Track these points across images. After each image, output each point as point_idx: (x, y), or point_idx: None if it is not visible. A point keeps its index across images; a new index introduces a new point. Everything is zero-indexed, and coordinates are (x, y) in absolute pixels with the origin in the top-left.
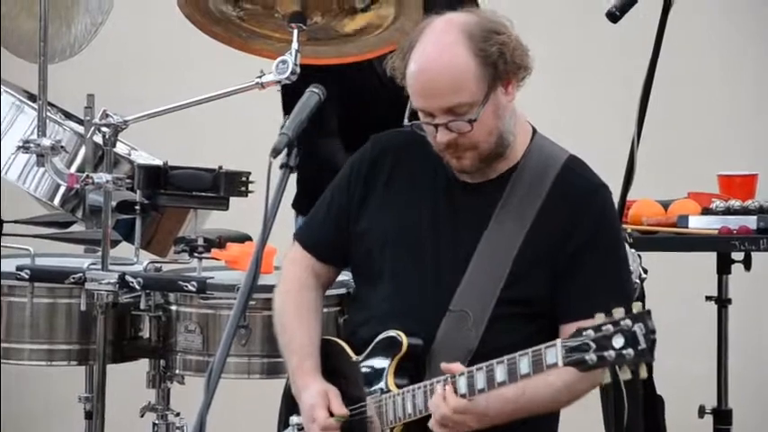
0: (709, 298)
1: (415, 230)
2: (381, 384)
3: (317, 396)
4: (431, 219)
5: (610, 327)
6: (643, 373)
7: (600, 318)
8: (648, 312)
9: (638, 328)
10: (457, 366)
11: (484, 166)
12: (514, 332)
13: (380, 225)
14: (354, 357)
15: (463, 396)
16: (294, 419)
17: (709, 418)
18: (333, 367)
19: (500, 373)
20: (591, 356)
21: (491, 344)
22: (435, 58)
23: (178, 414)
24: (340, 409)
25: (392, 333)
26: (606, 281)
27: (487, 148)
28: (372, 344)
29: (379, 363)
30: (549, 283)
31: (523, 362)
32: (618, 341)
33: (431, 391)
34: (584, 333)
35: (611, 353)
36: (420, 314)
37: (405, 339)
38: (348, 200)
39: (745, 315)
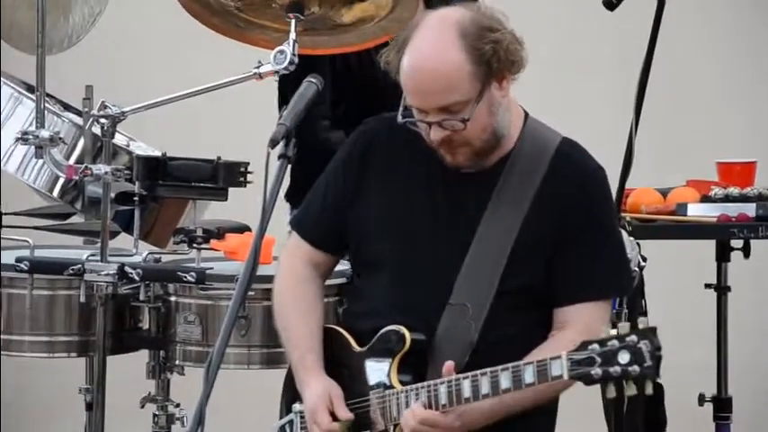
0: (708, 286)
1: (412, 221)
2: (384, 380)
3: (320, 398)
4: (428, 209)
5: (615, 342)
6: (648, 390)
7: (606, 332)
8: (654, 329)
9: (644, 345)
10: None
11: (478, 160)
12: (514, 323)
13: (377, 213)
14: (358, 349)
15: (467, 400)
16: (297, 407)
17: (708, 406)
18: (336, 357)
19: (505, 380)
20: (596, 371)
21: (491, 336)
22: (428, 56)
23: (178, 405)
24: (344, 413)
25: (395, 328)
26: (601, 265)
27: (481, 145)
28: (375, 337)
29: (382, 357)
30: (546, 270)
31: (528, 371)
32: (623, 357)
33: (435, 392)
34: (589, 347)
35: (617, 368)
36: (420, 308)
37: (408, 335)
38: (344, 185)
39: (745, 303)
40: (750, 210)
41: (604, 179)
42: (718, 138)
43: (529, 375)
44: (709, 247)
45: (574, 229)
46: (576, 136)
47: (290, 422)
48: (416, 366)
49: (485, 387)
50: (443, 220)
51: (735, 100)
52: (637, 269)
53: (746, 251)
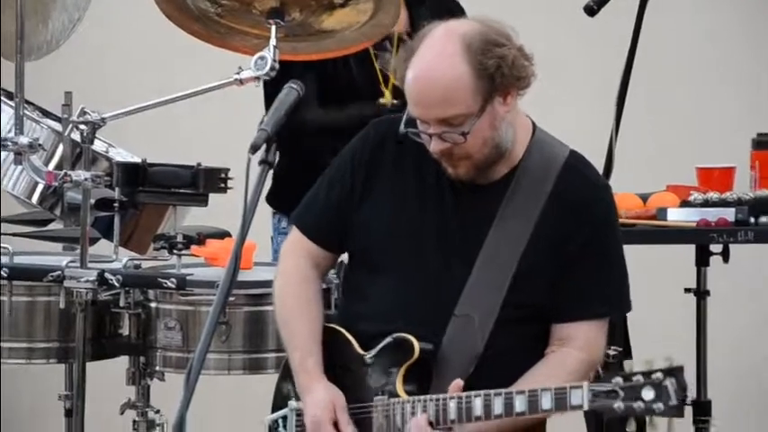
0: (687, 290)
1: (420, 228)
2: (390, 388)
3: (324, 409)
4: (436, 218)
5: (640, 377)
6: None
7: (629, 365)
8: (681, 368)
9: (670, 383)
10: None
11: (479, 173)
12: (520, 334)
13: (384, 215)
14: (361, 352)
15: (479, 418)
16: (294, 404)
17: (688, 409)
18: (336, 358)
19: (520, 403)
20: (618, 404)
21: (497, 347)
22: (431, 67)
23: (158, 411)
24: (349, 429)
25: (404, 336)
26: (606, 283)
27: (481, 158)
28: (382, 343)
29: (388, 364)
30: (552, 284)
31: (546, 397)
32: (648, 394)
33: (443, 406)
34: (613, 380)
35: (640, 404)
36: (426, 317)
37: (417, 345)
38: (351, 185)
39: (724, 307)
40: (729, 214)
41: (609, 198)
42: (697, 143)
43: (546, 402)
44: (688, 251)
45: (580, 245)
46: None
47: (284, 417)
48: (421, 376)
49: (497, 407)
50: (451, 231)
51: (714, 105)
52: None
53: (726, 256)
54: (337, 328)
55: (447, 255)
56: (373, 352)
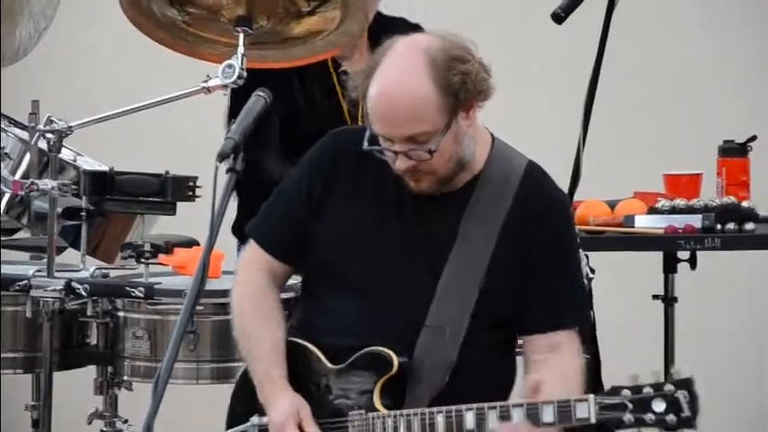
0: (655, 297)
1: (383, 240)
2: (365, 401)
3: (289, 415)
4: (399, 229)
5: (650, 390)
6: None
7: (635, 378)
8: (691, 380)
9: (682, 395)
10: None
11: (441, 186)
12: (491, 342)
13: (344, 227)
14: (332, 366)
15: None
16: (255, 420)
17: None
18: (303, 373)
19: (517, 416)
20: (628, 417)
21: (470, 355)
22: (397, 85)
23: (126, 421)
24: (313, 430)
25: (380, 350)
26: (566, 296)
27: (445, 173)
28: (355, 357)
29: (363, 378)
30: (520, 292)
31: (547, 411)
32: (659, 406)
33: (430, 421)
34: (622, 392)
35: (651, 416)
36: (396, 329)
37: (395, 359)
38: (308, 197)
39: (691, 313)
40: (696, 221)
41: (568, 209)
42: (664, 150)
43: (548, 415)
44: (656, 258)
45: (538, 259)
46: (523, 148)
47: None
48: (396, 389)
49: (492, 421)
50: (416, 242)
51: (681, 112)
52: (585, 281)
53: (693, 262)
54: (300, 341)
55: (413, 266)
56: (345, 365)
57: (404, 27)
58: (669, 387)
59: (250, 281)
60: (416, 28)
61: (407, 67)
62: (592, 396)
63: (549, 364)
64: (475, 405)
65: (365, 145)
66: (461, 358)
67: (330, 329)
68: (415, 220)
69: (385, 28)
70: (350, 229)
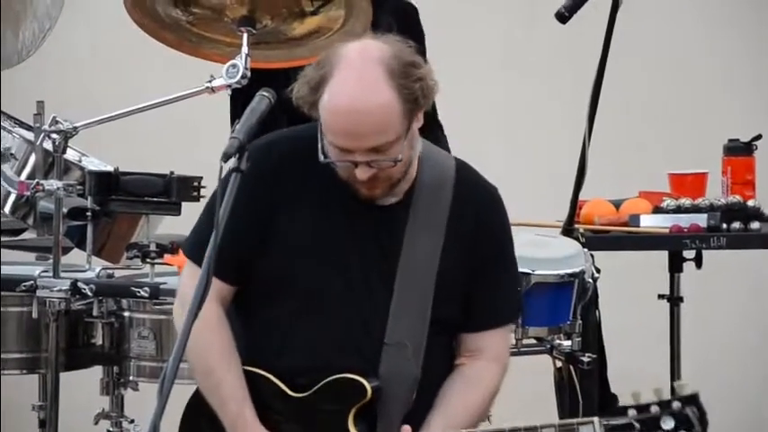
0: (661, 296)
1: (334, 252)
2: (338, 429)
3: None
4: (349, 242)
5: (657, 408)
6: None
7: (636, 395)
8: (696, 396)
9: (691, 411)
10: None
11: (392, 192)
12: (451, 350)
13: (294, 241)
14: (296, 395)
15: None
16: None
17: None
18: (264, 403)
19: None
20: None
21: (433, 367)
22: (360, 99)
23: (132, 421)
24: None
25: (350, 377)
26: (509, 290)
27: (399, 177)
28: (322, 384)
29: (334, 406)
30: (465, 295)
31: None
32: (668, 423)
33: None
34: (628, 412)
35: None
36: (356, 348)
37: (368, 385)
38: (253, 213)
39: (697, 313)
40: (702, 220)
41: (502, 202)
42: (669, 149)
43: None
44: (661, 257)
45: (485, 251)
46: (529, 148)
47: None
48: (368, 413)
49: None
50: (367, 254)
51: (686, 111)
52: (591, 281)
53: (699, 262)
54: (256, 371)
55: (366, 278)
56: (311, 393)
57: (396, 6)
58: (677, 404)
59: (207, 313)
60: (408, 6)
61: (367, 79)
62: (596, 418)
63: (461, 373)
64: (465, 431)
65: (321, 158)
66: (425, 372)
67: (280, 350)
68: (364, 231)
69: (379, 3)
70: (300, 242)
